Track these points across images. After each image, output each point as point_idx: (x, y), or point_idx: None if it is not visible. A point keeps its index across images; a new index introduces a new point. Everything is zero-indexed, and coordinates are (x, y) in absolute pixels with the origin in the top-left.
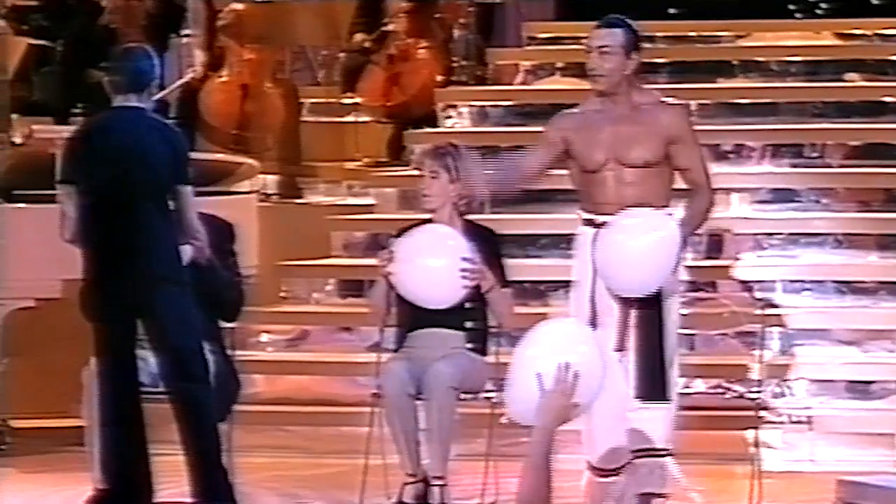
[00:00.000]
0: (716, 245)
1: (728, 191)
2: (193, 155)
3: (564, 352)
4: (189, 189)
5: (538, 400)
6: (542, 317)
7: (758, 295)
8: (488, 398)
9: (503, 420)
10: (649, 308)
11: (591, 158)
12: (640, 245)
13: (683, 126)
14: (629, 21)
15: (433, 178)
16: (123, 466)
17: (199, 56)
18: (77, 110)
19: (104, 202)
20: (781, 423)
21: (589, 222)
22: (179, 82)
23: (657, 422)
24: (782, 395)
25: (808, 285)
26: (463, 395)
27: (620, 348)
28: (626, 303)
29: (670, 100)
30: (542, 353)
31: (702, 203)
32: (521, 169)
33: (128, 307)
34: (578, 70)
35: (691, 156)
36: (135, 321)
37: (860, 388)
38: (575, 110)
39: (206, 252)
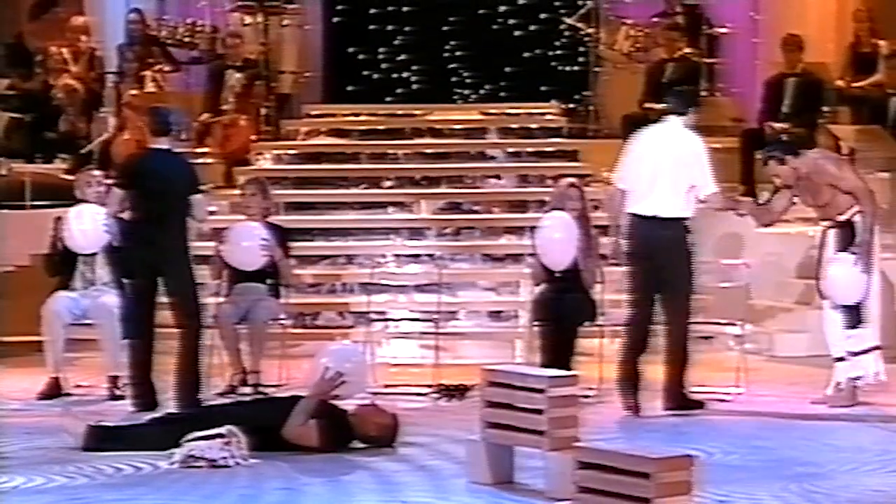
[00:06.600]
0: None
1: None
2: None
3: (342, 364)
4: (199, 197)
5: (316, 379)
6: (312, 276)
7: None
8: (282, 323)
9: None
10: None
11: None
12: None
13: None
14: None
15: (252, 195)
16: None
17: (111, 122)
18: (38, 156)
19: (146, 200)
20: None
21: None
22: (100, 139)
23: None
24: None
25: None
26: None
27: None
28: None
29: None
30: (331, 362)
31: None
32: None
33: (152, 264)
34: (335, 133)
35: None
36: (156, 275)
37: (494, 315)
38: None
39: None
